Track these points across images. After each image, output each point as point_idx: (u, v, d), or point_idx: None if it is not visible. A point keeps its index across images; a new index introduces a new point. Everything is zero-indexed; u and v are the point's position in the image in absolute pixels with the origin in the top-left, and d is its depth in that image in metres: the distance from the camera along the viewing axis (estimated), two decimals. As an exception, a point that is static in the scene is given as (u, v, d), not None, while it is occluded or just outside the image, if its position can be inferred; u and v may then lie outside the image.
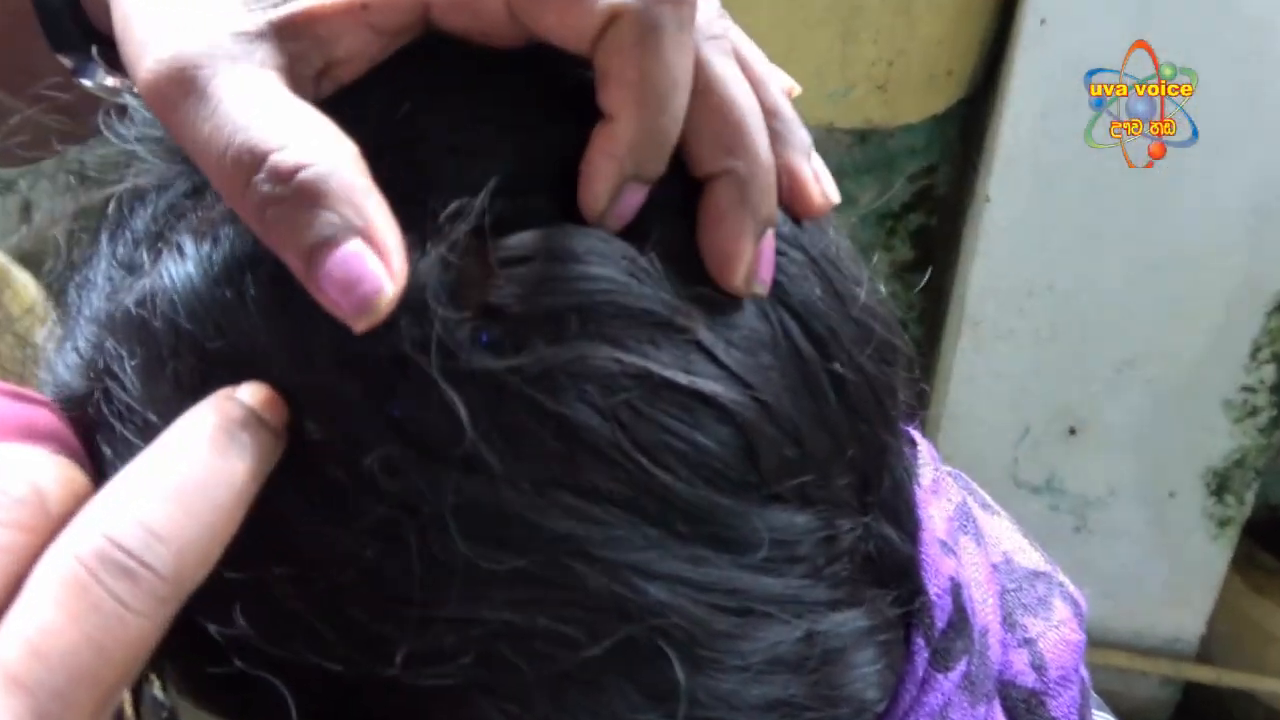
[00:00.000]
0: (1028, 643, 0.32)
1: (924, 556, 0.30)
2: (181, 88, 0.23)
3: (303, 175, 0.22)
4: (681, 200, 0.26)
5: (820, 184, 0.28)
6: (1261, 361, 1.33)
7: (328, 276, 0.22)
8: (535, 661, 0.24)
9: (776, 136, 0.27)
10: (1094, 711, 0.35)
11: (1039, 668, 0.32)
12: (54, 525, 0.22)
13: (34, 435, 0.25)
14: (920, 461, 0.32)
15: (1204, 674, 1.51)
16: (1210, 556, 1.45)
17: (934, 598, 0.29)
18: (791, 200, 0.28)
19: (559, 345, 0.23)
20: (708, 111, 0.25)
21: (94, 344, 0.27)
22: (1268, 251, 1.26)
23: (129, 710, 0.28)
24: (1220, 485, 1.41)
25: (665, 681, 0.24)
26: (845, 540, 0.27)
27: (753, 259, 0.25)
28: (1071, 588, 0.34)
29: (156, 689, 0.28)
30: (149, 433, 0.23)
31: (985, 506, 0.36)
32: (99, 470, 0.25)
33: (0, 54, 0.36)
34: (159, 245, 0.26)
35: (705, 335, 0.25)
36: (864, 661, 0.27)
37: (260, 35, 0.24)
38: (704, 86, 0.25)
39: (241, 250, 0.25)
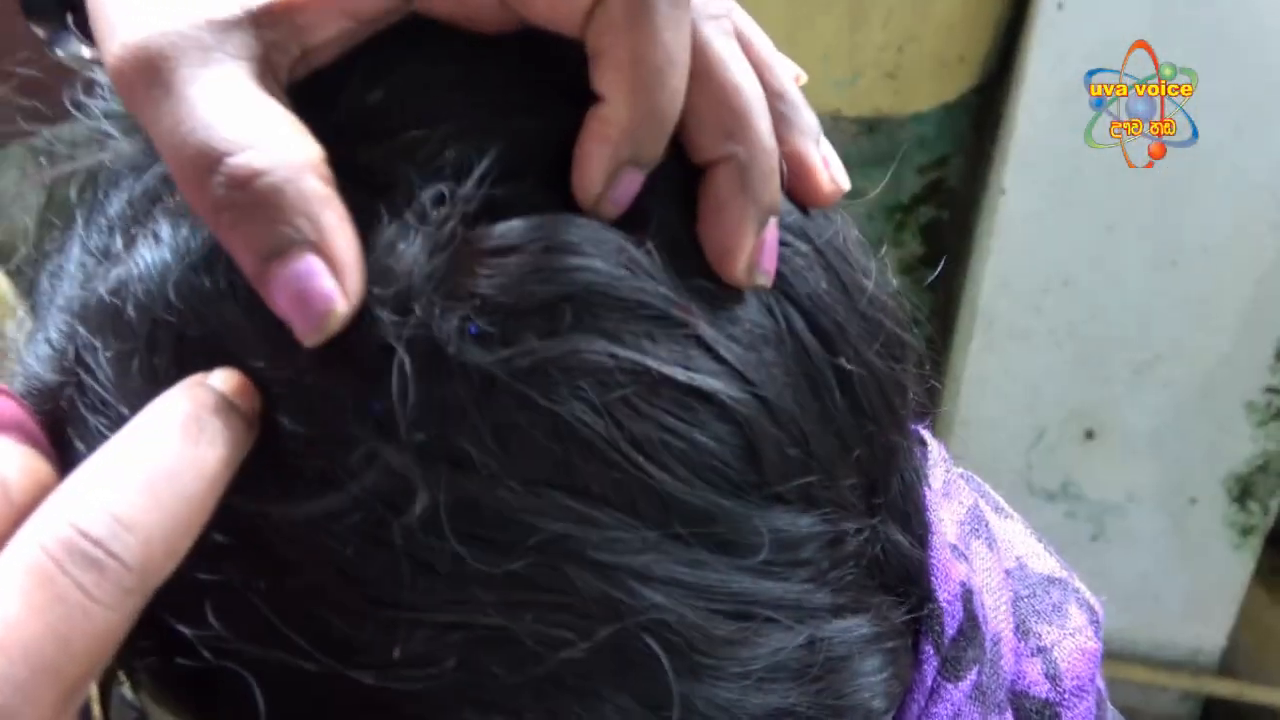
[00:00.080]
0: (1042, 651, 0.32)
1: (934, 561, 0.30)
2: (146, 76, 0.23)
3: (259, 183, 0.22)
4: (681, 188, 0.26)
5: (829, 170, 0.28)
6: (1287, 362, 1.33)
7: (279, 290, 0.23)
8: (523, 667, 0.24)
9: (782, 120, 0.27)
10: (1111, 724, 0.35)
11: (1053, 677, 0.32)
12: (17, 515, 0.22)
13: None
14: (930, 463, 0.32)
15: (1226, 688, 1.51)
16: (1232, 566, 1.45)
17: (944, 604, 0.29)
18: (798, 187, 0.28)
19: (551, 338, 0.23)
20: (707, 94, 0.25)
21: (66, 334, 0.27)
22: (1294, 246, 1.26)
23: (97, 710, 0.28)
24: (1243, 491, 1.41)
25: (661, 689, 0.24)
26: (851, 544, 0.27)
27: (754, 249, 0.25)
28: (1087, 594, 0.34)
29: (126, 689, 0.28)
30: (122, 425, 0.23)
31: (998, 510, 0.36)
32: (70, 463, 0.25)
33: None
34: (134, 231, 0.26)
35: (705, 329, 0.25)
36: (870, 670, 0.27)
37: (236, 23, 0.24)
38: (703, 68, 0.25)
39: None
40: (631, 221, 0.25)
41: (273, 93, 0.24)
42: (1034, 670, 0.32)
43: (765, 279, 0.26)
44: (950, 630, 0.29)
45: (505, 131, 0.25)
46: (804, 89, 0.29)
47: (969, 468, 0.36)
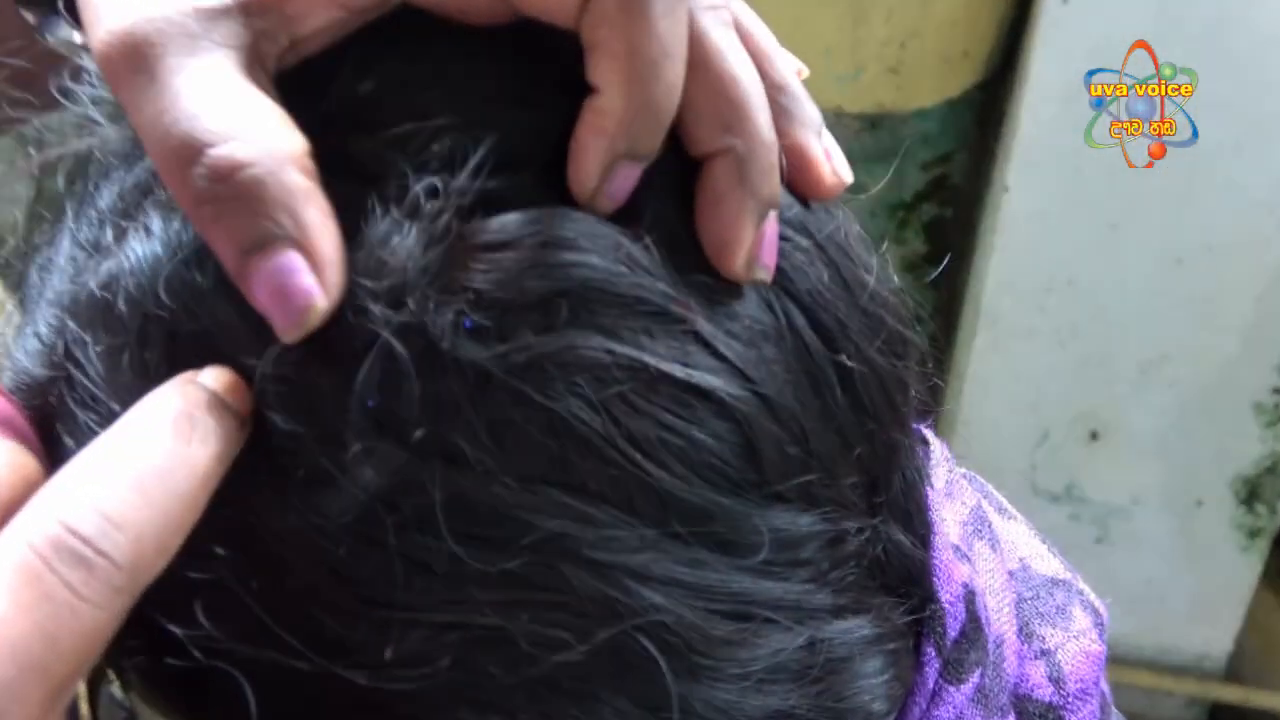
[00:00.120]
0: (1045, 654, 0.32)
1: (936, 562, 0.30)
2: (131, 63, 0.23)
3: (240, 176, 0.22)
4: (679, 182, 0.26)
5: (831, 163, 0.28)
6: (1294, 363, 1.33)
7: (259, 284, 0.23)
8: (519, 668, 0.24)
9: (782, 112, 0.27)
10: (1116, 728, 0.35)
11: (1057, 680, 0.32)
12: (4, 512, 0.22)
13: None
14: (933, 462, 0.32)
15: (1232, 694, 1.51)
16: (1239, 569, 1.45)
17: (946, 605, 0.29)
18: (799, 180, 0.28)
19: (547, 334, 0.23)
20: (704, 85, 0.25)
21: (55, 328, 0.27)
22: (1302, 245, 1.26)
23: (85, 709, 0.28)
24: (1250, 494, 1.41)
25: (659, 691, 0.24)
26: (852, 543, 0.27)
27: (754, 243, 0.25)
28: (1092, 596, 0.34)
29: (114, 688, 0.28)
30: (112, 421, 0.23)
31: (1001, 510, 0.36)
32: (58, 460, 0.25)
33: None
34: (124, 224, 0.26)
35: (704, 325, 0.25)
36: (870, 671, 0.27)
37: (224, 11, 0.24)
38: (700, 59, 0.25)
39: None
40: (628, 216, 0.25)
41: (260, 83, 0.24)
42: (1037, 673, 0.32)
43: (765, 274, 0.26)
44: (952, 632, 0.29)
45: (499, 124, 0.25)
46: (805, 84, 0.29)
47: (972, 468, 0.36)
